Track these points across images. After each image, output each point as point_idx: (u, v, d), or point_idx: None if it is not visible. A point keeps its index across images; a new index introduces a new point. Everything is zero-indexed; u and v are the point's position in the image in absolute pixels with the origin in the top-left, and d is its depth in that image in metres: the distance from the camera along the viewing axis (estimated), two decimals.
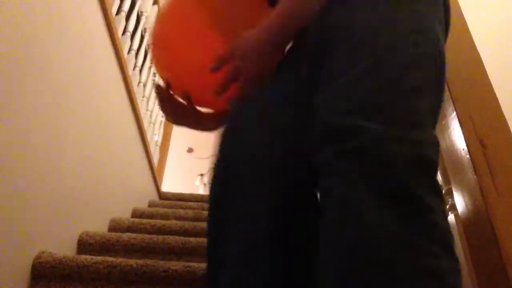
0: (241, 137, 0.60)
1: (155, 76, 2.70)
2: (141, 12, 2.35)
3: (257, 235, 0.52)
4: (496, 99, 0.67)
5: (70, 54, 1.32)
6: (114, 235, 1.47)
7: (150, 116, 2.62)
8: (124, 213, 1.98)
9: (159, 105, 0.86)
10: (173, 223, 1.80)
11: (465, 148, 0.62)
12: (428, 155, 0.46)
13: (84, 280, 1.16)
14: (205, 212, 2.11)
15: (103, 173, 1.70)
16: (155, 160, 2.84)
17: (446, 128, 0.69)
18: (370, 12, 0.57)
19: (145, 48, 2.39)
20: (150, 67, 2.56)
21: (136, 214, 2.10)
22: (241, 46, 0.65)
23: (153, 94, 2.67)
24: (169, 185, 6.09)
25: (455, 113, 0.67)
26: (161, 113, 2.99)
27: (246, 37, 0.65)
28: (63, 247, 1.30)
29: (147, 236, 1.48)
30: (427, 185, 0.44)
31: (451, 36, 0.80)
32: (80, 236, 1.43)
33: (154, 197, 2.71)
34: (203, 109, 0.84)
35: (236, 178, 0.56)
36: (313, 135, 0.50)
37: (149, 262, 1.20)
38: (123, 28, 1.95)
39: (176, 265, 1.19)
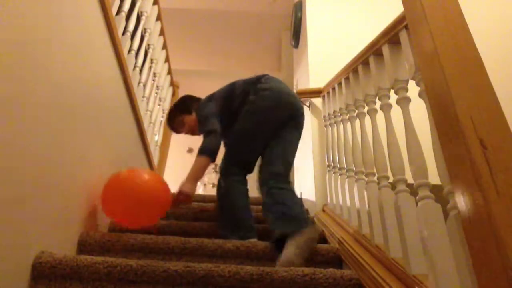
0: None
1: (155, 76, 2.70)
2: (141, 12, 2.35)
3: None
4: (496, 99, 0.67)
5: (70, 54, 1.32)
6: (114, 235, 1.47)
7: (150, 116, 2.62)
8: None
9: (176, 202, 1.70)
10: (173, 223, 1.80)
11: (465, 148, 0.62)
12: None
13: (84, 280, 1.16)
14: (205, 213, 2.11)
15: (103, 173, 1.70)
16: (155, 160, 2.84)
17: (446, 128, 0.69)
18: None
19: (145, 48, 2.39)
20: (150, 67, 2.56)
21: None
22: (184, 190, 1.67)
23: (153, 94, 2.67)
24: (169, 185, 6.08)
25: (455, 113, 0.67)
26: (161, 113, 2.99)
27: (184, 187, 1.67)
28: (63, 247, 1.30)
29: (147, 236, 1.48)
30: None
31: (451, 35, 0.80)
32: (80, 236, 1.43)
33: None
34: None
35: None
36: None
37: (149, 262, 1.20)
38: (123, 28, 1.95)
39: (176, 265, 1.19)
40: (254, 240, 1.57)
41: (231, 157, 1.78)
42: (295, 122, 1.83)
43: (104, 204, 1.51)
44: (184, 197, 1.65)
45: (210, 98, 1.94)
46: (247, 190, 1.76)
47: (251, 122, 1.75)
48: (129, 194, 1.46)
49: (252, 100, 1.77)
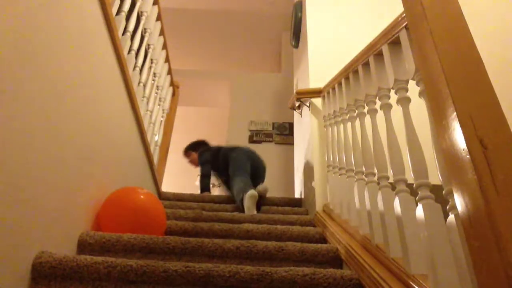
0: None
1: (155, 76, 2.70)
2: (141, 12, 2.35)
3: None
4: (496, 99, 0.67)
5: (70, 54, 1.32)
6: (114, 235, 1.47)
7: (150, 116, 2.62)
8: None
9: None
10: (173, 223, 1.80)
11: (465, 148, 0.62)
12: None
13: (84, 280, 1.16)
14: (205, 212, 2.11)
15: (103, 173, 1.70)
16: (155, 160, 2.84)
17: (446, 128, 0.69)
18: None
19: (145, 48, 2.39)
20: (150, 67, 2.56)
21: None
22: None
23: (153, 94, 2.67)
24: (169, 185, 6.09)
25: (455, 113, 0.67)
26: (160, 113, 2.99)
27: None
28: (63, 247, 1.30)
29: (147, 236, 1.48)
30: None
31: (451, 35, 0.80)
32: (80, 236, 1.43)
33: None
34: None
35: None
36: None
37: (149, 262, 1.20)
38: (123, 28, 1.95)
39: (176, 265, 1.19)
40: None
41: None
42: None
43: (103, 223, 1.62)
44: None
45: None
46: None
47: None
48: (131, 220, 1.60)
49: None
